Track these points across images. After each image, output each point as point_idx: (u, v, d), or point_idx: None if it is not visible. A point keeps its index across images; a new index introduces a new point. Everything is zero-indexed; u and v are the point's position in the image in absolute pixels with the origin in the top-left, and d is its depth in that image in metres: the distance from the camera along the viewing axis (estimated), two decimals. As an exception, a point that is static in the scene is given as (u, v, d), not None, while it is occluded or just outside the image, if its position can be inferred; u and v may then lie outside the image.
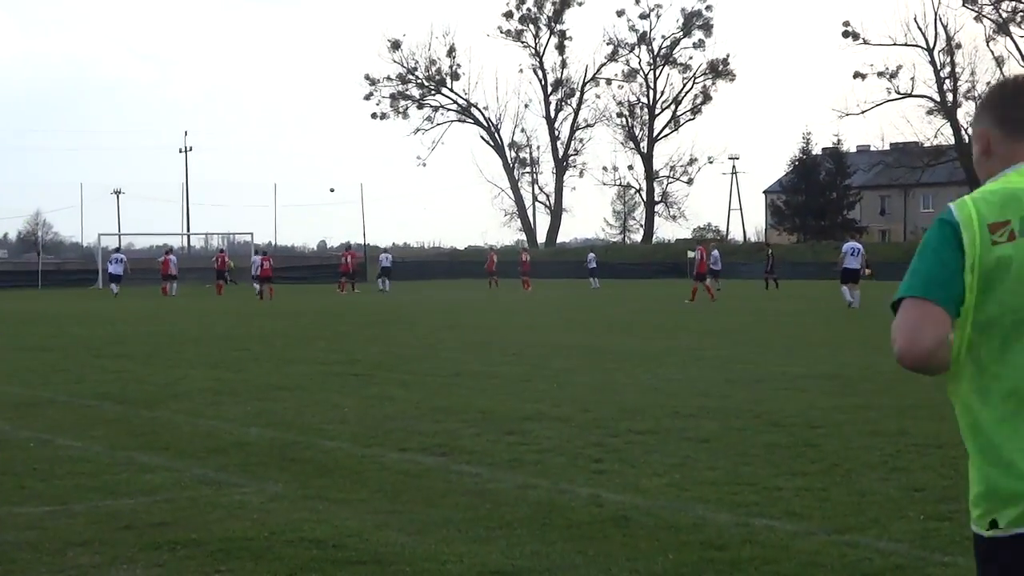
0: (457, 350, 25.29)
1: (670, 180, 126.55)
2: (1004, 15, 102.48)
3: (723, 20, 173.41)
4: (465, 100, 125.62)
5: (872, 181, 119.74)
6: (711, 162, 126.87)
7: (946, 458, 11.67)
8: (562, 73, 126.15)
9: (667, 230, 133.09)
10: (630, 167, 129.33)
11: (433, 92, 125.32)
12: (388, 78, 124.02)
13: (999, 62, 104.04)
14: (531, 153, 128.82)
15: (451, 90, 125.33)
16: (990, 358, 3.72)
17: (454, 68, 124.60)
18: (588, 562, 8.18)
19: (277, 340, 29.03)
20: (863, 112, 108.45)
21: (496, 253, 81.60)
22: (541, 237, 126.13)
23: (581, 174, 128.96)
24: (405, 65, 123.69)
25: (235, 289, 67.08)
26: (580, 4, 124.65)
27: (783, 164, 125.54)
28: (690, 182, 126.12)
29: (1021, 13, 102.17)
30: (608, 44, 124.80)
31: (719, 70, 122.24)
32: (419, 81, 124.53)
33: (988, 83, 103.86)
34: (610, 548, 8.49)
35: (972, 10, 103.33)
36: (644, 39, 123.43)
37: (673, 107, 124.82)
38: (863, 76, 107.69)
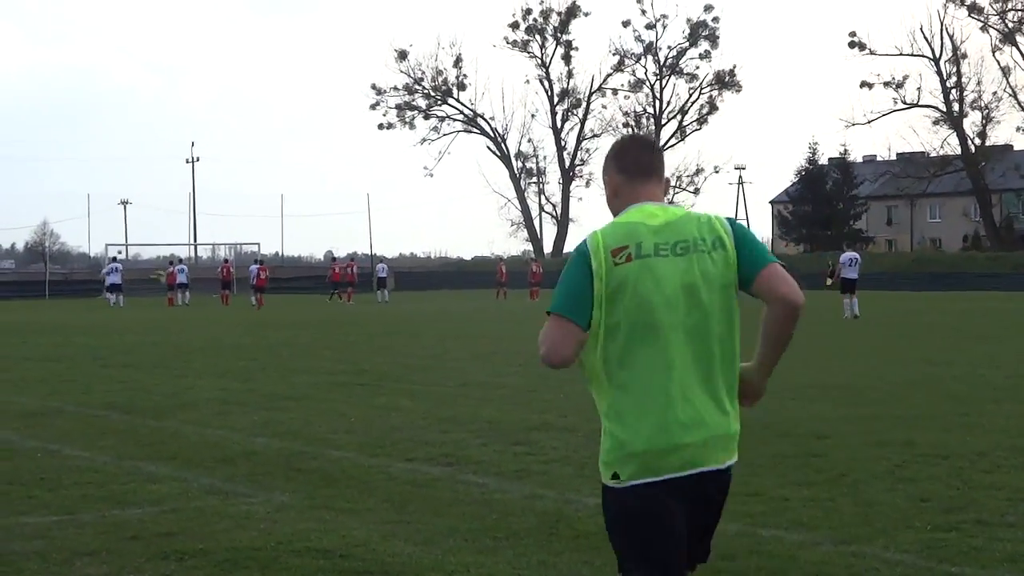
0: (464, 360, 25.30)
1: (676, 190, 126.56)
2: (1010, 25, 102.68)
3: (729, 30, 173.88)
4: (472, 110, 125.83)
5: (879, 191, 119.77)
6: (717, 172, 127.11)
7: (953, 468, 11.68)
8: (568, 83, 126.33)
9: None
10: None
11: (439, 102, 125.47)
12: (395, 88, 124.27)
13: (1005, 72, 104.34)
14: (537, 163, 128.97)
15: (458, 100, 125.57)
16: (616, 353, 4.92)
17: (460, 78, 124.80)
18: (595, 572, 8.19)
19: (283, 350, 29.05)
20: (869, 122, 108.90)
21: (505, 263, 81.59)
22: (548, 247, 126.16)
23: (588, 184, 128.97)
24: (412, 75, 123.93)
25: (235, 299, 67.17)
26: (586, 15, 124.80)
27: (790, 174, 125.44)
28: (697, 192, 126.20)
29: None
30: (614, 54, 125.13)
31: (725, 81, 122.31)
32: (426, 91, 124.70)
33: (995, 93, 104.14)
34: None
35: (978, 20, 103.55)
36: (650, 49, 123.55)
37: (679, 117, 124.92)
38: (869, 86, 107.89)
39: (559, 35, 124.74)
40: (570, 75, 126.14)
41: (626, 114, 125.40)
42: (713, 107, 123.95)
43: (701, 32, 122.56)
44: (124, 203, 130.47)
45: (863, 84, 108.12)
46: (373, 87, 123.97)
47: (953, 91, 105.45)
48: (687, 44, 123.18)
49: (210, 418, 16.23)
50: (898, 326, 37.43)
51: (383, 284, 70.52)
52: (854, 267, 42.94)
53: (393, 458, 12.78)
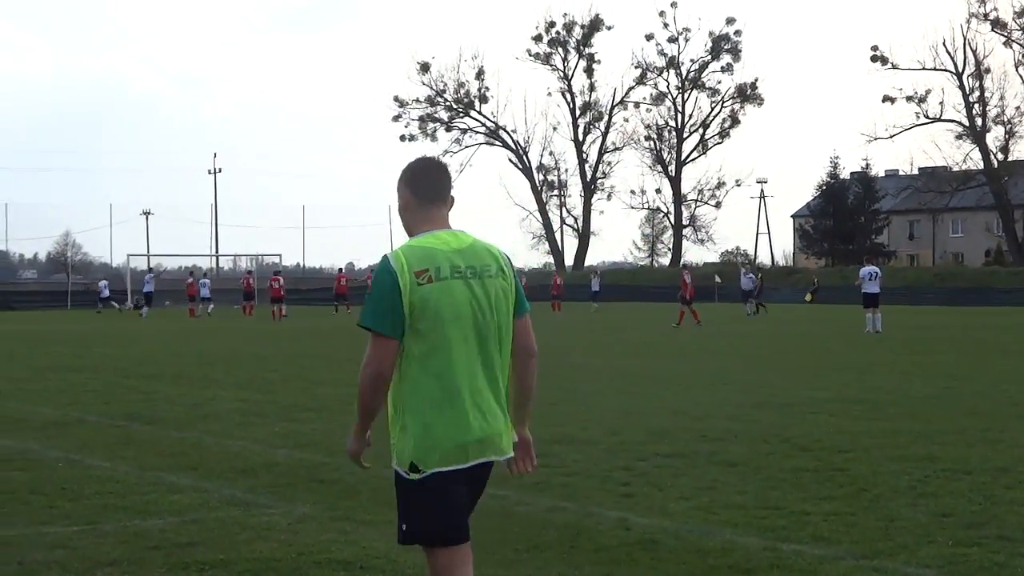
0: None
1: (698, 204, 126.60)
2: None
3: (751, 44, 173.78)
4: (493, 123, 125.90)
5: (901, 205, 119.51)
6: (739, 185, 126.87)
7: (975, 484, 11.64)
8: (590, 96, 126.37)
9: (695, 254, 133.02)
10: (658, 190, 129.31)
11: (461, 115, 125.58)
12: (417, 100, 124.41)
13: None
14: (559, 176, 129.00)
15: (479, 113, 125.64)
16: (419, 360, 5.66)
17: (483, 91, 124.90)
18: (615, 585, 8.17)
19: (304, 361, 29.09)
20: (892, 136, 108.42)
21: (526, 276, 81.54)
22: (569, 260, 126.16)
23: (609, 197, 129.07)
24: (434, 87, 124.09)
25: (258, 310, 67.29)
26: (609, 28, 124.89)
27: (811, 188, 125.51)
28: (718, 206, 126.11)
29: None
30: (636, 68, 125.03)
31: (747, 94, 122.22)
32: (448, 103, 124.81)
33: (1018, 107, 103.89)
34: (638, 572, 8.49)
35: (1001, 35, 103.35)
36: (672, 63, 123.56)
37: (701, 130, 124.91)
38: (892, 100, 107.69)
39: (582, 48, 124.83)
40: (592, 88, 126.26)
41: (648, 127, 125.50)
42: (735, 120, 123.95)
43: (723, 46, 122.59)
44: (146, 213, 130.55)
45: (885, 98, 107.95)
46: (395, 99, 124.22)
47: (976, 106, 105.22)
48: (709, 58, 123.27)
49: (231, 429, 16.25)
50: (920, 341, 37.32)
51: None
52: (875, 281, 42.22)
53: (414, 470, 12.75)
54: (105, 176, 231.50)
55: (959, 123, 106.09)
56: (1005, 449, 13.89)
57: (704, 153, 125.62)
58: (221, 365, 27.73)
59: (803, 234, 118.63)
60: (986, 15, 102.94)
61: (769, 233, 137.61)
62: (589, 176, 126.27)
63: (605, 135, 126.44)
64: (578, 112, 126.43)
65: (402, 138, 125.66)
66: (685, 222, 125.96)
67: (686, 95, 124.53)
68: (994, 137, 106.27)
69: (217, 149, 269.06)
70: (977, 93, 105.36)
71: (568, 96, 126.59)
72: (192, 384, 22.78)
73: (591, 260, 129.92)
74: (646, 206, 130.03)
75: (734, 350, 32.97)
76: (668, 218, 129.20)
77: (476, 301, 5.70)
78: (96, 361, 29.27)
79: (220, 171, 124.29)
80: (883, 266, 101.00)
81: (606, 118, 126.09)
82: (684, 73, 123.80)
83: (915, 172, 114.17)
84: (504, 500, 11.03)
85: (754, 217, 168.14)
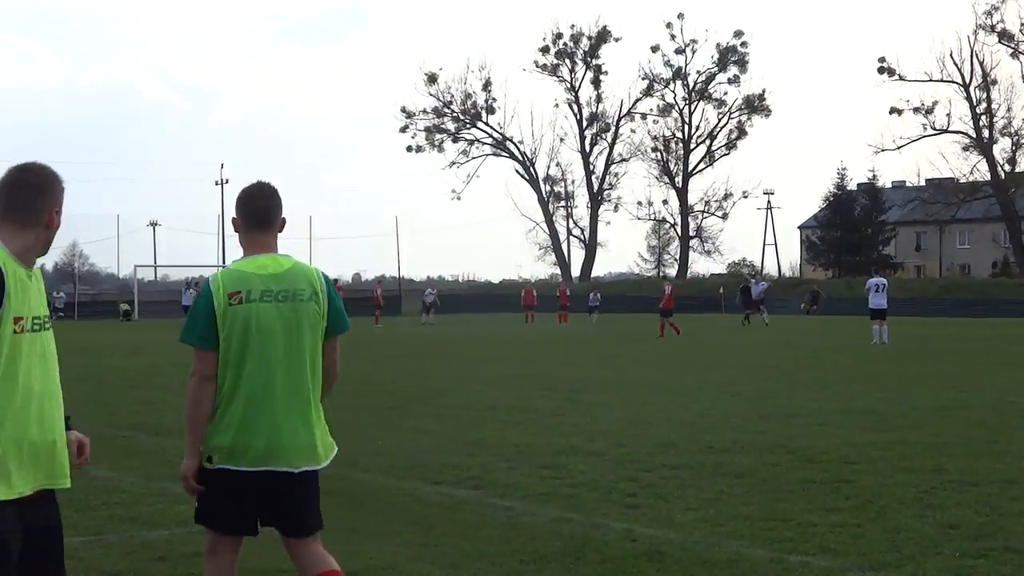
0: (491, 383, 25.30)
1: (705, 215, 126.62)
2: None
3: (758, 55, 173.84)
4: (500, 134, 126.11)
5: (907, 217, 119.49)
6: (746, 197, 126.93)
7: (981, 495, 11.62)
8: (597, 107, 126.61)
9: (702, 265, 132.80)
10: (665, 202, 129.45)
11: (468, 126, 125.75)
12: (424, 111, 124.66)
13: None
14: (566, 187, 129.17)
15: (486, 124, 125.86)
16: (232, 373, 6.22)
17: (490, 102, 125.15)
18: (622, 597, 8.16)
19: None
20: (899, 148, 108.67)
21: (533, 287, 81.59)
22: (576, 271, 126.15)
23: (616, 208, 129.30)
24: (441, 99, 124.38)
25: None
26: (616, 40, 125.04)
27: (818, 199, 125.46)
28: (725, 217, 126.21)
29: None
30: (643, 79, 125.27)
31: (754, 105, 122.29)
32: (455, 114, 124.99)
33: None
34: (644, 583, 8.47)
35: (1008, 47, 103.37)
36: (679, 74, 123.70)
37: (708, 142, 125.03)
38: (899, 112, 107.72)
39: (589, 59, 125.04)
40: (599, 99, 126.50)
41: (655, 139, 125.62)
42: (742, 132, 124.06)
43: (730, 57, 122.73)
44: (153, 224, 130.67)
45: (892, 110, 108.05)
46: (403, 110, 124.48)
47: (983, 117, 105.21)
48: (716, 69, 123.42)
49: (237, 440, 16.22)
50: (927, 352, 37.28)
51: (430, 307, 70.74)
52: (881, 293, 42.06)
53: (420, 481, 12.77)
54: (113, 187, 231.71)
55: (966, 134, 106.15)
56: (1012, 461, 13.87)
57: (711, 164, 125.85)
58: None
59: (810, 245, 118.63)
60: (993, 27, 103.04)
61: (776, 244, 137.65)
62: (596, 187, 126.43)
63: (612, 146, 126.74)
64: (585, 123, 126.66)
65: (409, 149, 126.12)
66: (692, 233, 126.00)
67: (693, 106, 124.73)
68: (1001, 149, 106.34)
69: (225, 160, 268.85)
70: (984, 105, 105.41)
71: (575, 107, 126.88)
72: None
73: (598, 271, 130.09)
74: (653, 217, 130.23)
75: (740, 361, 32.94)
76: (675, 229, 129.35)
77: (285, 322, 6.25)
78: (102, 372, 29.29)
79: (227, 182, 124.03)
80: (889, 277, 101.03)
81: (613, 129, 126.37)
82: (691, 84, 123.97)
83: (922, 183, 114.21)
84: (510, 511, 11.03)
85: (761, 228, 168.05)
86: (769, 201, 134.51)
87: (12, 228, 5.20)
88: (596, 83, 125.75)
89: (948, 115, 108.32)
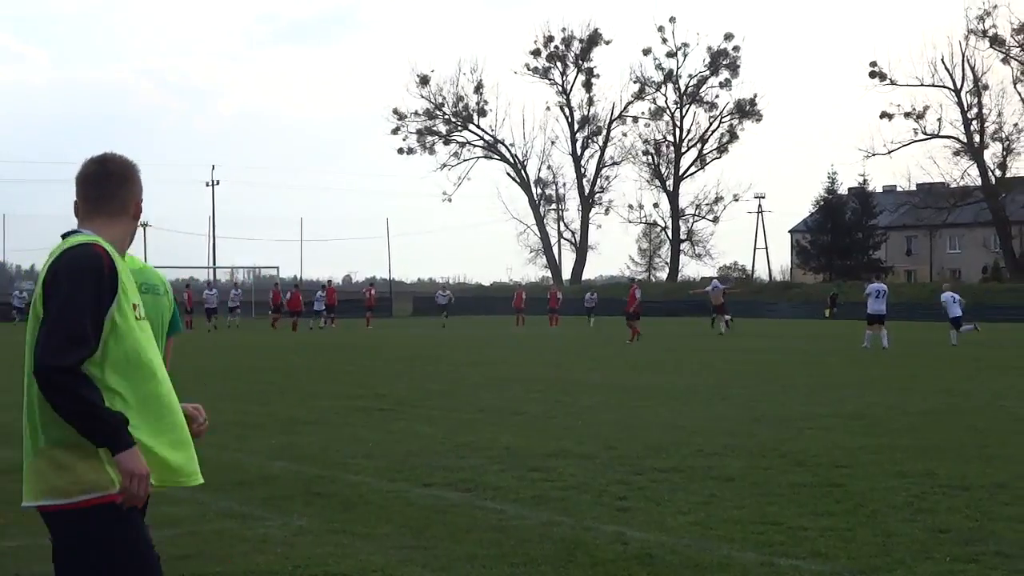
0: (482, 386, 25.30)
1: (696, 218, 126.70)
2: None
3: (750, 59, 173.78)
4: (492, 136, 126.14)
5: (898, 221, 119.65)
6: (737, 200, 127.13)
7: (972, 500, 11.63)
8: (589, 110, 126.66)
9: (693, 268, 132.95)
10: (656, 205, 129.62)
11: (460, 128, 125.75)
12: (416, 113, 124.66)
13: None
14: (557, 190, 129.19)
15: (478, 126, 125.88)
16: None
17: (481, 104, 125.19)
18: (613, 600, 8.16)
19: (302, 374, 29.10)
20: (890, 152, 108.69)
21: (524, 290, 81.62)
22: (566, 274, 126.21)
23: (607, 211, 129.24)
24: (433, 101, 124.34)
25: (258, 321, 67.22)
26: (607, 43, 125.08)
27: (809, 203, 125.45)
28: (716, 220, 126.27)
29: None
30: (635, 82, 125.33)
31: (746, 109, 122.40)
32: (446, 117, 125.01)
33: (1016, 124, 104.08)
34: (635, 586, 8.47)
35: (1000, 52, 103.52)
36: (671, 77, 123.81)
37: (699, 145, 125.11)
38: (890, 116, 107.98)
39: (580, 62, 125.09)
40: (591, 102, 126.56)
41: (646, 142, 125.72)
42: (733, 136, 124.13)
43: (722, 61, 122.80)
44: (144, 225, 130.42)
45: (883, 115, 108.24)
46: (395, 112, 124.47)
47: (974, 122, 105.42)
48: (708, 73, 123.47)
49: (228, 441, 16.22)
50: (917, 356, 37.32)
51: (445, 311, 70.82)
52: (881, 299, 42.03)
53: (411, 483, 12.77)
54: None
55: (957, 139, 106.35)
56: (1003, 465, 13.88)
57: (702, 168, 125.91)
58: (219, 377, 27.71)
59: (800, 249, 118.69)
60: (985, 32, 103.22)
61: (767, 248, 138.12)
62: (587, 190, 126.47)
63: (603, 149, 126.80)
64: (576, 126, 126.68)
65: (400, 151, 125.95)
66: (683, 237, 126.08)
67: (684, 110, 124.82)
68: (992, 153, 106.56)
69: (215, 161, 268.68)
70: (975, 110, 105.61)
71: (566, 110, 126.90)
72: (189, 396, 22.69)
73: (588, 274, 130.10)
74: (644, 220, 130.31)
75: (731, 365, 32.96)
76: (666, 233, 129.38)
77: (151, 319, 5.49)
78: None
79: (218, 183, 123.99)
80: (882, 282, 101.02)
81: (604, 132, 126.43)
82: (682, 88, 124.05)
83: (913, 188, 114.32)
84: (500, 514, 11.03)
85: (752, 232, 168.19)
86: (760, 205, 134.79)
87: (102, 220, 5.10)
88: (587, 86, 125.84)
89: (939, 120, 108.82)
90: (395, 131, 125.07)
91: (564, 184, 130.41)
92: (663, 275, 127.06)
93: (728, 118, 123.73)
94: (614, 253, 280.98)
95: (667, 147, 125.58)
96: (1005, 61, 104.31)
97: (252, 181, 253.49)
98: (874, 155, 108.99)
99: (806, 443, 15.73)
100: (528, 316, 73.65)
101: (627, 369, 31.30)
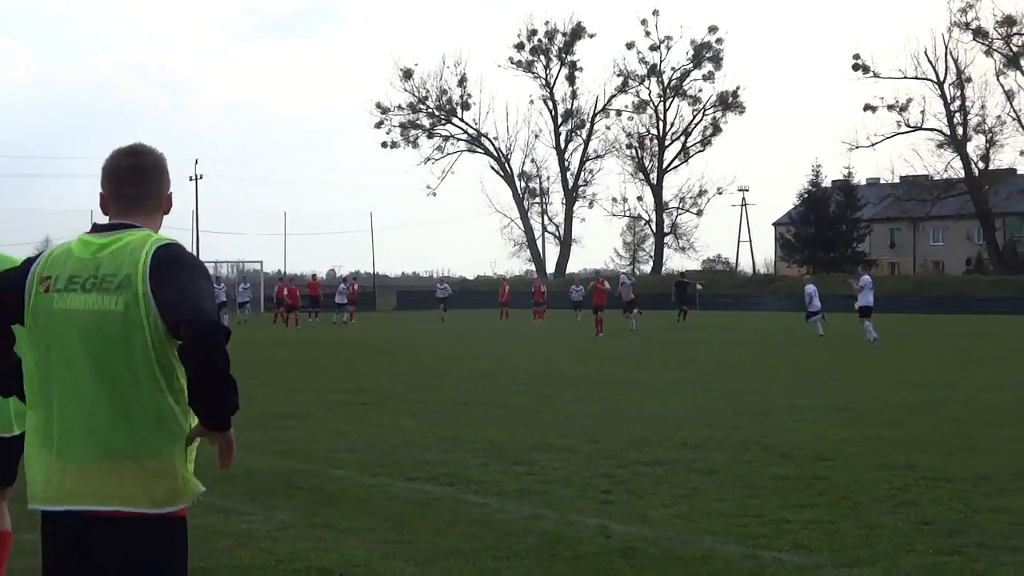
0: (465, 380, 25.28)
1: (680, 211, 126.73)
2: (1015, 49, 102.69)
3: (733, 52, 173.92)
4: (475, 130, 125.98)
5: (882, 214, 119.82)
6: (720, 193, 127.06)
7: (955, 492, 11.65)
8: (572, 104, 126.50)
9: (677, 261, 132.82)
10: (640, 198, 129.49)
11: (443, 121, 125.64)
12: (399, 107, 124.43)
13: (1009, 96, 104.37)
14: (541, 183, 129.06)
15: (461, 120, 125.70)
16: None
17: (465, 98, 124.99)
18: (595, 593, 8.15)
19: (285, 368, 29.05)
20: (873, 145, 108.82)
21: (508, 283, 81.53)
22: (551, 267, 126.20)
23: (591, 205, 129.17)
24: (416, 94, 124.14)
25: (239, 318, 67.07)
26: (591, 36, 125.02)
27: (793, 196, 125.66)
28: (700, 213, 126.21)
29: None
30: (618, 75, 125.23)
31: (729, 102, 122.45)
32: (430, 110, 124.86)
33: (999, 116, 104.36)
34: (617, 579, 8.46)
35: (982, 44, 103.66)
36: (654, 71, 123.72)
37: (683, 138, 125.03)
38: (873, 109, 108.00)
39: (564, 56, 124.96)
40: (574, 96, 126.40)
41: (629, 135, 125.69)
42: (716, 128, 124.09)
43: (705, 54, 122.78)
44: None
45: (867, 107, 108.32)
46: (378, 106, 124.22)
47: (957, 114, 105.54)
48: (691, 66, 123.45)
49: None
50: (900, 349, 37.39)
51: (444, 304, 70.54)
52: (871, 291, 42.25)
53: (394, 477, 12.75)
54: (86, 183, 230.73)
55: (940, 132, 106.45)
56: (985, 457, 13.91)
57: (686, 161, 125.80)
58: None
59: (784, 242, 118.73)
60: (968, 24, 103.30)
61: (751, 241, 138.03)
62: (571, 183, 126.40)
63: (587, 143, 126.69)
64: (560, 119, 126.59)
65: (384, 145, 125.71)
66: (667, 230, 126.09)
67: (668, 103, 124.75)
68: (975, 146, 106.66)
69: (198, 155, 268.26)
70: (958, 102, 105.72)
71: (550, 104, 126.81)
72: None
73: (573, 268, 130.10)
74: (628, 214, 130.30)
75: (715, 358, 33.00)
76: (650, 226, 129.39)
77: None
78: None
79: (201, 177, 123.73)
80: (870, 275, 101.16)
81: (588, 126, 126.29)
82: (666, 81, 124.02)
83: (896, 180, 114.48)
84: (483, 507, 11.02)
85: (736, 225, 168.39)
86: (744, 198, 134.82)
87: (141, 218, 4.96)
88: (571, 79, 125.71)
89: (922, 112, 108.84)
90: (378, 125, 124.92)
91: (548, 177, 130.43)
92: (647, 268, 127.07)
93: (711, 111, 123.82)
94: (598, 246, 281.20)
95: (651, 140, 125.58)
96: (988, 53, 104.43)
97: (235, 175, 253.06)
98: (857, 148, 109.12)
99: (789, 436, 15.75)
100: (512, 310, 73.55)
101: (611, 362, 31.31)
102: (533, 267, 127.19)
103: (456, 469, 13.20)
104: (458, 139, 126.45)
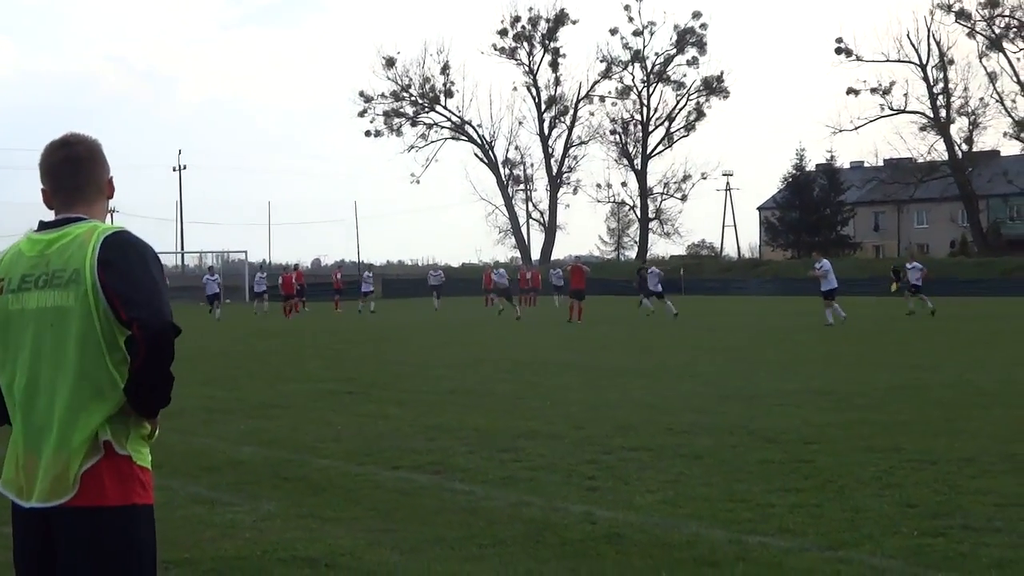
0: (451, 368, 25.28)
1: (664, 197, 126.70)
2: (997, 31, 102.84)
3: (716, 37, 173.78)
4: (459, 117, 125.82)
5: (866, 197, 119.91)
6: (705, 178, 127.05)
7: (940, 474, 11.68)
8: (556, 90, 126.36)
9: (661, 247, 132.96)
10: (624, 184, 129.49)
11: (427, 109, 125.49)
12: (382, 95, 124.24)
13: (992, 78, 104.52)
14: (525, 170, 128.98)
15: (445, 107, 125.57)
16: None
17: (448, 85, 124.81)
18: (581, 580, 8.16)
19: (272, 358, 29.03)
20: (856, 128, 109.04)
21: (492, 270, 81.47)
22: (535, 254, 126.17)
23: (575, 191, 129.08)
24: (399, 83, 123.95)
25: (228, 307, 66.91)
26: (574, 22, 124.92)
27: (777, 180, 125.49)
28: (684, 199, 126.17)
29: (1014, 29, 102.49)
30: (602, 61, 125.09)
31: (713, 87, 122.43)
32: (413, 98, 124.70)
33: (981, 98, 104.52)
34: (603, 566, 8.48)
35: (965, 26, 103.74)
36: (637, 56, 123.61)
37: (667, 124, 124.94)
38: (856, 92, 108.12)
39: (547, 42, 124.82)
40: (557, 82, 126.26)
41: (613, 121, 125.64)
42: (700, 114, 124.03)
43: (688, 39, 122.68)
44: (112, 211, 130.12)
45: (850, 91, 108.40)
46: (361, 94, 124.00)
47: (940, 97, 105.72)
48: (674, 51, 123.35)
49: (196, 426, 16.19)
50: (885, 332, 37.45)
51: (437, 292, 70.07)
52: (833, 274, 42.22)
53: (380, 466, 12.76)
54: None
55: (923, 114, 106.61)
56: (970, 439, 13.94)
57: (670, 146, 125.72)
58: (187, 362, 27.59)
59: (769, 226, 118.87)
60: (950, 6, 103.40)
61: (735, 226, 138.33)
62: (555, 170, 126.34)
63: (571, 129, 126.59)
64: (543, 106, 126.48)
65: (367, 133, 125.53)
66: (651, 215, 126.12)
67: (651, 89, 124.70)
68: (958, 128, 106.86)
69: (182, 146, 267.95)
70: (941, 84, 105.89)
71: (533, 90, 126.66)
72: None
73: (558, 254, 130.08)
74: (612, 200, 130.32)
75: (701, 343, 33.03)
76: (634, 211, 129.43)
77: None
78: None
79: (185, 168, 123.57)
80: (849, 257, 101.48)
81: (572, 112, 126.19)
82: (649, 67, 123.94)
83: (880, 164, 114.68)
84: (469, 495, 11.03)
85: (720, 210, 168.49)
86: (728, 183, 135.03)
87: (83, 207, 4.91)
88: (554, 66, 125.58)
89: (905, 95, 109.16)
90: (362, 113, 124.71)
91: (532, 164, 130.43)
92: (632, 254, 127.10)
93: (695, 95, 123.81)
94: (583, 233, 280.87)
95: (634, 126, 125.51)
96: (971, 35, 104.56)
97: (219, 166, 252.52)
98: (841, 131, 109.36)
99: (775, 420, 15.77)
100: (498, 297, 73.41)
101: (596, 348, 31.32)
102: (518, 254, 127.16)
103: (442, 457, 13.21)
104: (442, 127, 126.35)
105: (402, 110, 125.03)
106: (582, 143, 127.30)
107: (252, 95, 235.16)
